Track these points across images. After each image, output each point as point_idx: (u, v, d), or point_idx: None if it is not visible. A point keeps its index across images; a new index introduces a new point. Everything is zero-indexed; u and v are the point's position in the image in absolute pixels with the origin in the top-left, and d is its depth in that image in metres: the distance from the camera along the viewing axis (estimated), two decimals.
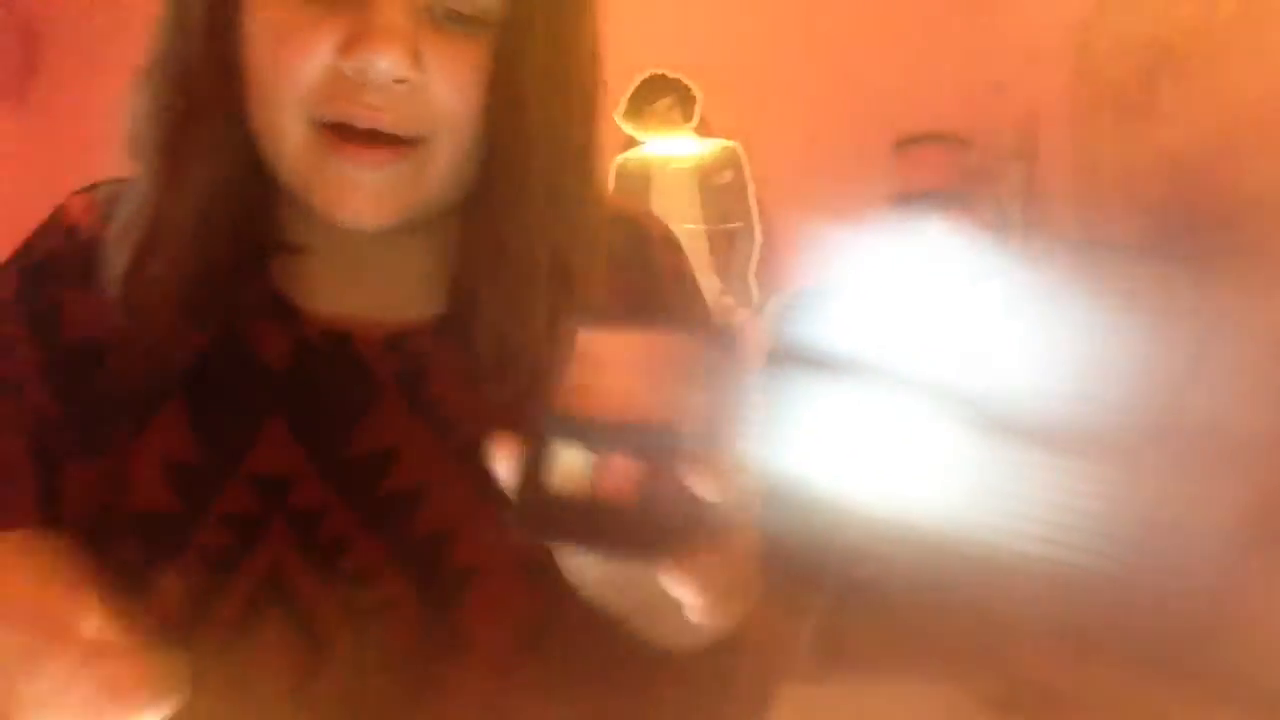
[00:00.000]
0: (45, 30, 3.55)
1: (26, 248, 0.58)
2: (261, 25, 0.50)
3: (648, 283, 0.62)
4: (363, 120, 0.49)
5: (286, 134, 0.50)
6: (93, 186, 0.62)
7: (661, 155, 3.39)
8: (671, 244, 0.65)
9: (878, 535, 2.51)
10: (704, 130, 3.45)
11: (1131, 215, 2.73)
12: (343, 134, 0.49)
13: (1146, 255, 2.60)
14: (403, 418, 0.56)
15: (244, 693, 0.52)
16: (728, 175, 3.40)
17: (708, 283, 3.28)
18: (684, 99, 3.42)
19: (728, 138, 3.43)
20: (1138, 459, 2.38)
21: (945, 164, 3.30)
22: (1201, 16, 2.49)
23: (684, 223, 3.29)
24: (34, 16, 3.54)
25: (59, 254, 0.57)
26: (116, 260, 0.54)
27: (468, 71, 0.50)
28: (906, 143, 3.30)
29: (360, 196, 0.51)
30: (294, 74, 0.49)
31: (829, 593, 2.56)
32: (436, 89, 0.50)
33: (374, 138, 0.49)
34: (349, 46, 0.48)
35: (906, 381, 2.34)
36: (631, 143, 3.37)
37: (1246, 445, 2.24)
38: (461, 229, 0.56)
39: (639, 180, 3.32)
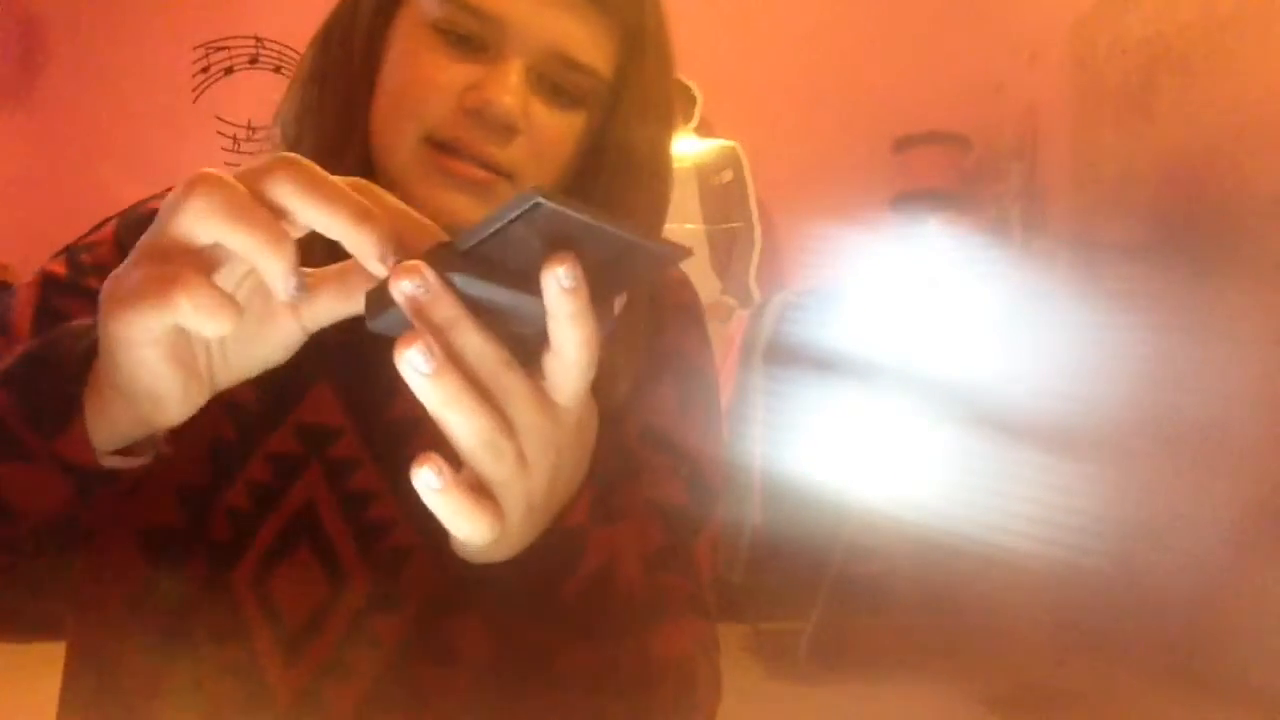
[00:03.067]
0: (46, 31, 3.55)
1: (132, 207, 0.68)
2: (404, 56, 0.62)
3: (656, 311, 0.71)
4: (469, 148, 0.60)
5: (402, 144, 0.61)
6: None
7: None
8: (685, 285, 0.76)
9: (878, 535, 2.52)
10: (704, 130, 3.45)
11: (1131, 215, 2.73)
12: (449, 152, 0.60)
13: (1146, 255, 2.60)
14: None
15: (271, 618, 0.59)
16: (728, 175, 3.40)
17: (708, 283, 3.29)
18: (684, 99, 3.42)
19: (728, 138, 3.43)
20: (1137, 459, 2.38)
21: (945, 164, 3.30)
22: (1201, 16, 2.49)
23: (684, 223, 3.29)
24: (35, 17, 3.54)
25: None
26: None
27: (561, 134, 0.63)
28: (906, 143, 3.30)
29: (453, 199, 0.61)
30: (425, 101, 0.60)
31: (830, 592, 2.56)
32: (532, 140, 0.62)
33: (474, 161, 0.61)
34: (474, 90, 0.60)
35: (906, 381, 2.34)
36: None
37: (1245, 445, 2.24)
38: None
39: None
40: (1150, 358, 2.36)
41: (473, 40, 0.60)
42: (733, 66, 3.38)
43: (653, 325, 0.71)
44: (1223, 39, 2.43)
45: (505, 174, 0.62)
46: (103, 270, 0.64)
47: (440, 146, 0.61)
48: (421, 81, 0.61)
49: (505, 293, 0.36)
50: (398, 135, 0.61)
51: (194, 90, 3.47)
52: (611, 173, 0.66)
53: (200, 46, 3.48)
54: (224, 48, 3.49)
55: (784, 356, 2.57)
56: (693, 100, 3.42)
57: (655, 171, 0.69)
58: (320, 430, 0.63)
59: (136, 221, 0.67)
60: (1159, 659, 2.26)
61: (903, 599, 2.58)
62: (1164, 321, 2.40)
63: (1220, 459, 2.28)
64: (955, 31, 3.30)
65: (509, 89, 0.59)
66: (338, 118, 0.64)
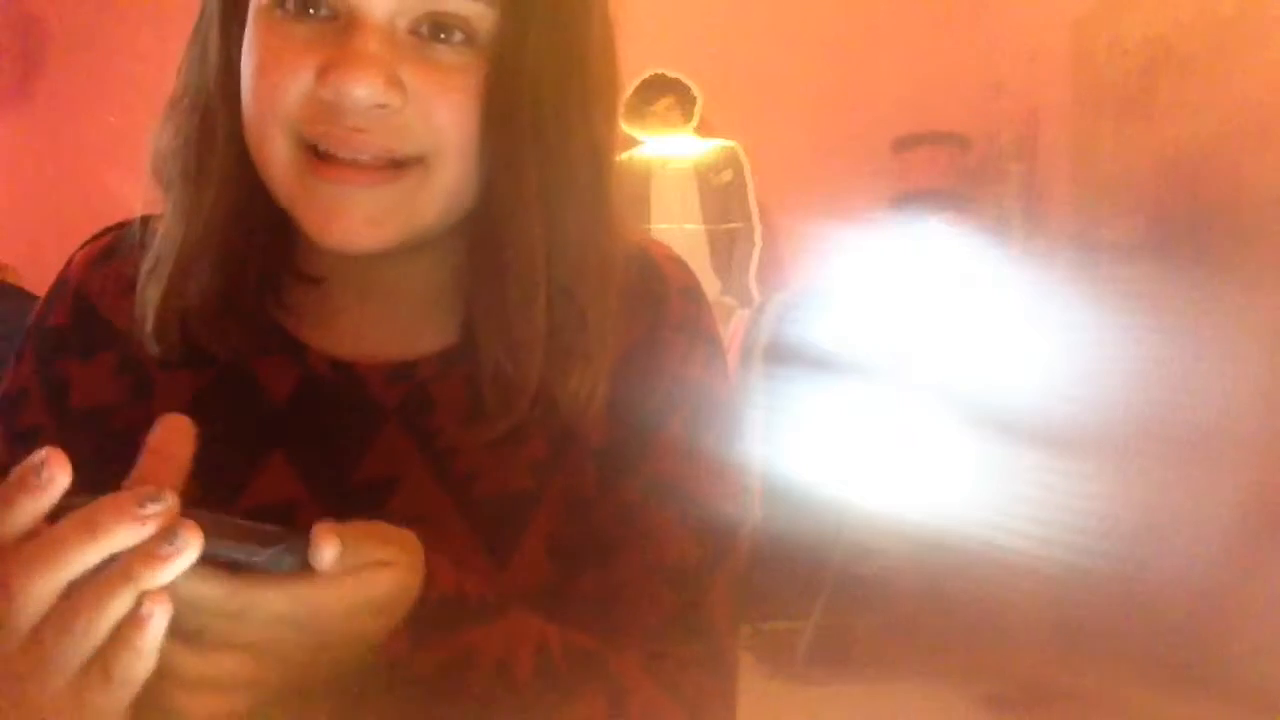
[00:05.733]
0: (46, 30, 3.55)
1: (40, 315, 0.62)
2: (249, 46, 0.51)
3: (654, 332, 0.62)
4: (345, 144, 0.50)
5: (274, 155, 0.51)
6: (95, 236, 0.64)
7: (661, 155, 3.40)
8: (689, 294, 0.64)
9: (878, 535, 2.52)
10: (704, 130, 3.45)
11: (1131, 215, 2.73)
12: (326, 157, 0.50)
13: (1146, 255, 2.60)
14: (403, 449, 0.57)
15: None
16: (728, 175, 3.40)
17: (708, 283, 3.29)
18: (684, 99, 3.42)
19: (728, 138, 3.43)
20: (1137, 459, 2.38)
21: (945, 164, 3.30)
22: (1201, 16, 2.49)
23: (684, 223, 3.29)
24: (35, 17, 3.54)
25: (66, 328, 0.61)
26: (150, 294, 0.57)
27: (458, 91, 0.51)
28: (906, 143, 3.30)
29: (350, 218, 0.51)
30: (278, 96, 0.50)
31: (830, 592, 2.56)
32: (425, 109, 0.50)
33: (358, 160, 0.50)
34: (325, 74, 0.49)
35: (906, 381, 2.34)
36: (632, 143, 3.37)
37: (1245, 445, 2.24)
38: (467, 254, 0.57)
39: (639, 180, 3.33)
40: (1150, 357, 2.36)
41: (318, 6, 0.50)
42: (733, 66, 3.38)
43: (652, 355, 0.62)
44: (1223, 39, 2.43)
45: (410, 161, 0.51)
46: (62, 347, 0.60)
47: (316, 151, 0.50)
48: (271, 74, 0.50)
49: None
50: (267, 146, 0.51)
51: None
52: (528, 103, 0.52)
53: None
54: None
55: (784, 356, 2.57)
56: (693, 100, 3.42)
57: (570, 114, 0.54)
58: (277, 510, 0.55)
59: (49, 342, 0.61)
60: (1159, 659, 2.26)
61: (903, 599, 2.58)
62: (1164, 321, 2.40)
63: (1220, 459, 2.28)
64: (955, 31, 3.30)
65: (364, 63, 0.48)
66: (200, 148, 0.55)
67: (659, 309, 0.62)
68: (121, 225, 0.63)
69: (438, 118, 0.50)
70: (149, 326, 0.56)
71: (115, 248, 0.62)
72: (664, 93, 3.40)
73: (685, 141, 3.41)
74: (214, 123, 0.54)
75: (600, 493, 0.60)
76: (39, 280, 0.71)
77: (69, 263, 0.63)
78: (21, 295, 3.12)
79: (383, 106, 0.49)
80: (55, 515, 0.40)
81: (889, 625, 2.61)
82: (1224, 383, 2.29)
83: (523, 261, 0.54)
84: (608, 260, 0.57)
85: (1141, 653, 2.31)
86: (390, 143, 0.50)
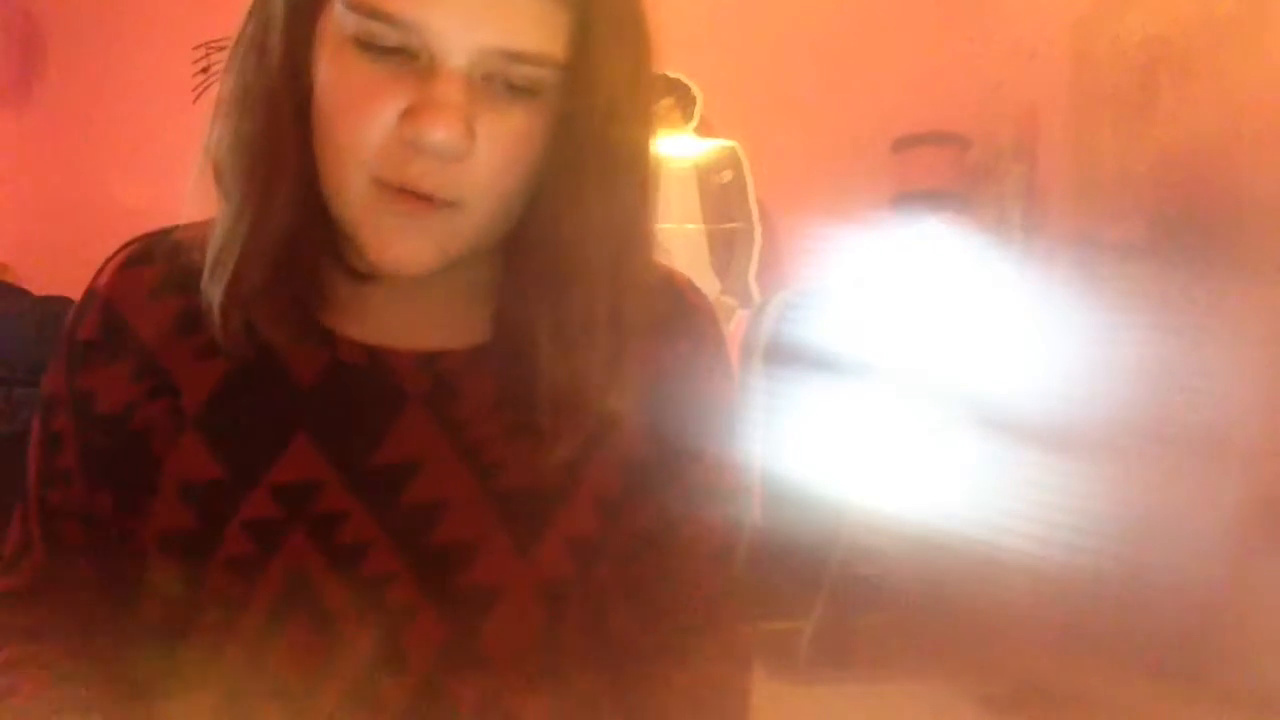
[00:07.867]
0: (46, 31, 3.55)
1: (72, 325, 0.64)
2: (332, 81, 0.54)
3: (692, 351, 0.66)
4: (418, 184, 0.53)
5: (349, 186, 0.54)
6: (123, 246, 0.66)
7: (661, 155, 3.39)
8: (711, 318, 0.69)
9: (878, 535, 2.52)
10: (704, 130, 3.45)
11: (1131, 215, 2.73)
12: (400, 191, 0.53)
13: (1146, 255, 2.60)
14: (428, 434, 0.59)
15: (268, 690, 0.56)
16: (728, 175, 3.40)
17: (708, 283, 3.29)
18: (684, 99, 3.42)
19: (728, 138, 3.43)
20: (1137, 459, 2.38)
21: (945, 164, 3.30)
22: (1201, 15, 2.49)
23: (684, 223, 3.28)
24: (35, 17, 3.54)
25: (94, 341, 0.63)
26: (214, 290, 0.58)
27: (518, 141, 0.54)
28: (906, 143, 3.30)
29: (404, 245, 0.54)
30: (360, 136, 0.52)
31: (829, 592, 2.56)
32: (483, 157, 0.53)
33: (420, 195, 0.53)
34: (409, 117, 0.51)
35: (906, 381, 2.34)
36: None
37: (1245, 445, 2.24)
38: (512, 269, 0.59)
39: None
40: (1150, 357, 2.36)
41: (400, 51, 0.52)
42: (733, 66, 3.37)
43: (687, 378, 0.66)
44: (1223, 39, 2.43)
45: (451, 202, 0.54)
46: (88, 360, 0.63)
47: (390, 186, 0.54)
48: (356, 114, 0.52)
49: None
50: (345, 180, 0.54)
51: (194, 90, 3.47)
52: (580, 162, 0.56)
53: (200, 46, 3.47)
54: (224, 48, 3.47)
55: (784, 356, 2.57)
56: (693, 100, 3.42)
57: (627, 155, 0.57)
58: (300, 487, 0.58)
59: (79, 354, 0.63)
60: (1159, 659, 2.26)
61: (903, 599, 2.58)
62: (1164, 321, 2.40)
63: (1220, 459, 2.28)
64: (955, 31, 3.30)
65: (447, 108, 0.51)
66: (265, 150, 0.56)
67: (691, 335, 0.67)
68: (147, 235, 0.65)
69: (491, 166, 0.53)
70: (216, 322, 0.58)
71: (142, 255, 0.64)
72: (664, 93, 3.40)
73: (685, 141, 3.41)
74: (280, 124, 0.55)
75: (633, 499, 0.62)
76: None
77: (99, 273, 0.65)
78: (21, 295, 3.12)
79: (451, 156, 0.52)
80: None
81: (889, 625, 2.61)
82: (1224, 383, 2.28)
83: (586, 287, 0.57)
84: (648, 282, 0.61)
85: (1141, 653, 2.31)
86: (441, 187, 0.53)
